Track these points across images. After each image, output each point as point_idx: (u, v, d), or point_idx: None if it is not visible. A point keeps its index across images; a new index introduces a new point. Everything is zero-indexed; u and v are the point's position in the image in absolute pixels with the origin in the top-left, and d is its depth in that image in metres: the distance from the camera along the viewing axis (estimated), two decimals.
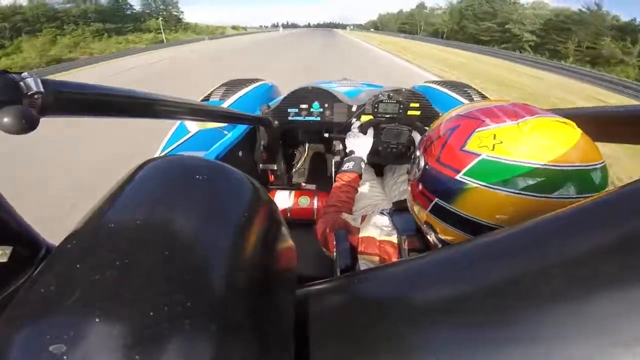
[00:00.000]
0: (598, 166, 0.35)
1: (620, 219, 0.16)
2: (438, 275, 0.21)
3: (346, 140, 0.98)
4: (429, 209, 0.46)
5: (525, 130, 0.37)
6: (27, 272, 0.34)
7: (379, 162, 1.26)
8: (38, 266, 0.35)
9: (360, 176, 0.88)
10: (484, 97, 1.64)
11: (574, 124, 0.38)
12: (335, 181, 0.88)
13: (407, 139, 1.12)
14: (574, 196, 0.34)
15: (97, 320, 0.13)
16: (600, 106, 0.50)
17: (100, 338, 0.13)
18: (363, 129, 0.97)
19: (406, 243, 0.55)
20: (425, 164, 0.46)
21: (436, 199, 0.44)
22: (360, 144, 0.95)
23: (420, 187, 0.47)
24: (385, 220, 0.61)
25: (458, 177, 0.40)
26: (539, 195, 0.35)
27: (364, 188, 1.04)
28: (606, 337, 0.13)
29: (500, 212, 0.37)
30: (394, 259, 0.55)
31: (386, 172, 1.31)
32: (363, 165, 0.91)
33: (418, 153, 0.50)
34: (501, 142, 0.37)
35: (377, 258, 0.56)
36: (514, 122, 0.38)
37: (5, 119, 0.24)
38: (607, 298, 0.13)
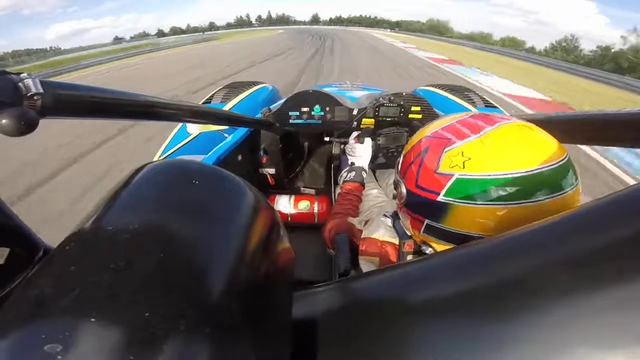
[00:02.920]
0: (562, 162, 0.36)
1: (621, 221, 0.16)
2: (436, 277, 0.21)
3: (347, 154, 1.00)
4: (422, 230, 0.47)
5: (488, 143, 0.38)
6: (25, 273, 0.34)
7: (377, 168, 1.26)
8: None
9: (362, 185, 0.90)
10: (485, 100, 1.63)
11: (532, 125, 0.40)
12: (338, 190, 0.89)
13: (407, 140, 1.12)
14: (550, 196, 0.35)
15: (92, 320, 0.13)
16: (596, 110, 0.50)
17: (95, 338, 0.13)
18: (360, 140, 0.98)
19: (405, 246, 0.55)
20: (407, 190, 0.47)
21: (426, 220, 0.45)
22: (359, 155, 0.96)
23: (408, 211, 0.48)
24: (388, 222, 0.63)
25: (439, 198, 0.41)
26: (518, 202, 0.35)
27: (367, 191, 1.05)
28: (606, 337, 0.13)
29: (486, 223, 0.38)
30: (394, 260, 0.56)
31: (378, 174, 1.31)
32: (364, 175, 0.92)
33: (397, 177, 0.51)
34: (469, 159, 0.38)
35: (377, 259, 0.57)
36: (477, 136, 0.39)
37: (5, 121, 0.24)
38: (607, 298, 0.13)
